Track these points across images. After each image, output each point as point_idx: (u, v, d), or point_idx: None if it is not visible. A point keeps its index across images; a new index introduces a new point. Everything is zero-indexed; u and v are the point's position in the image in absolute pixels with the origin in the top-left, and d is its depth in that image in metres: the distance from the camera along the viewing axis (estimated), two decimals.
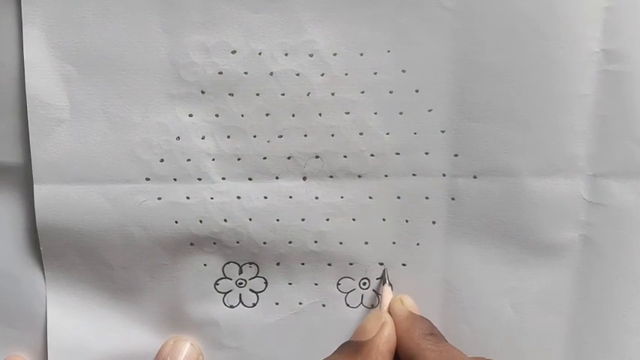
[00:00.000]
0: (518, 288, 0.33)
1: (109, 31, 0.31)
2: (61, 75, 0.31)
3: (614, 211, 0.33)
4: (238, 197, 0.32)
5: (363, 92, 0.32)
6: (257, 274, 0.34)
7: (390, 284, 0.33)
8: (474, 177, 0.33)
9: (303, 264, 0.33)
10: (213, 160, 0.32)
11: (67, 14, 0.30)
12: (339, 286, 0.34)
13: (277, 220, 0.33)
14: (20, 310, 0.32)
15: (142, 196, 0.32)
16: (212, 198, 0.32)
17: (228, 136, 0.32)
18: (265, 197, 0.33)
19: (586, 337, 0.34)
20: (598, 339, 0.34)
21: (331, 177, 0.33)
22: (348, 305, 0.34)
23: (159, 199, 0.32)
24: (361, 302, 0.34)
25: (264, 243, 0.33)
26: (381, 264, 0.34)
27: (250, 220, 0.33)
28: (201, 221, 0.32)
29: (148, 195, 0.32)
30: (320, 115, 0.32)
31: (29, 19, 0.30)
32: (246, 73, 0.31)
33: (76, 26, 0.31)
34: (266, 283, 0.34)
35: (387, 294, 0.33)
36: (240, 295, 0.34)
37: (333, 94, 0.32)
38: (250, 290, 0.34)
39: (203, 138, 0.32)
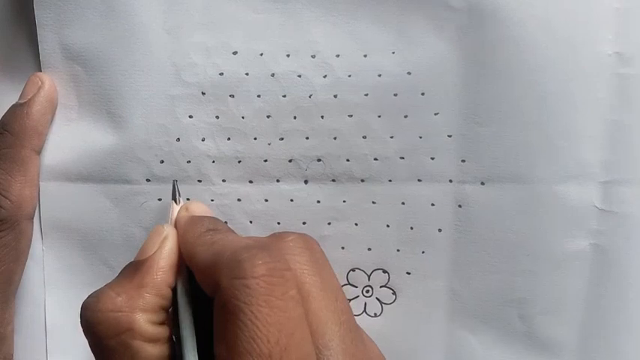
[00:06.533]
0: (526, 298, 0.32)
1: (113, 32, 0.31)
2: (71, 75, 0.31)
3: (627, 220, 0.31)
4: (239, 200, 0.32)
5: (366, 94, 0.31)
6: None
7: (179, 200, 0.31)
8: (482, 183, 0.32)
9: None
10: (214, 162, 0.32)
11: (76, 16, 0.31)
12: None
13: (278, 223, 0.32)
14: (20, 311, 0.32)
15: (143, 196, 0.32)
16: (212, 200, 0.32)
17: (229, 138, 0.32)
18: (266, 200, 0.32)
19: (596, 348, 0.32)
20: (609, 351, 0.32)
21: (333, 181, 0.32)
22: None
23: (159, 200, 0.32)
24: (364, 310, 0.33)
25: None
26: (385, 271, 0.33)
27: (251, 222, 0.32)
28: None
29: (148, 196, 0.32)
30: (322, 117, 0.31)
31: (42, 22, 0.31)
32: (247, 74, 0.31)
33: (83, 28, 0.31)
34: None
35: (175, 208, 0.30)
36: None
37: (335, 96, 0.31)
38: None
39: (203, 140, 0.32)
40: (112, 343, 0.25)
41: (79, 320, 0.26)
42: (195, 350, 0.25)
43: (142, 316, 0.25)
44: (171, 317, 0.27)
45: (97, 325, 0.25)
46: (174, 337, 0.26)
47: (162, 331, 0.26)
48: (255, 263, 0.23)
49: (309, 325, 0.24)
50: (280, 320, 0.22)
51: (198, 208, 0.30)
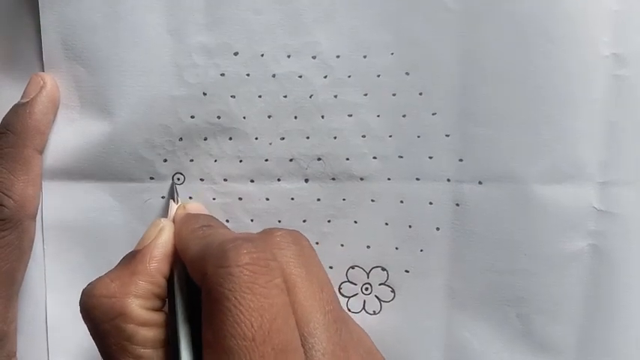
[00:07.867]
0: (524, 298, 0.33)
1: (116, 32, 0.31)
2: (73, 76, 0.32)
3: (625, 220, 0.32)
4: (240, 198, 0.32)
5: (366, 94, 0.32)
6: None
7: (177, 199, 0.32)
8: (480, 183, 0.32)
9: None
10: (216, 161, 0.32)
11: (79, 16, 0.31)
12: (340, 291, 0.33)
13: (279, 221, 0.33)
14: (21, 310, 0.32)
15: (147, 194, 0.32)
16: (214, 198, 0.32)
17: (230, 138, 0.32)
18: (267, 199, 0.33)
19: (593, 348, 0.33)
20: (606, 351, 0.33)
21: (333, 179, 0.32)
22: (349, 310, 0.34)
23: (162, 197, 0.32)
24: (363, 308, 0.34)
25: None
26: (384, 269, 0.33)
27: (252, 221, 0.33)
28: None
29: (152, 193, 0.32)
30: (322, 117, 0.32)
31: (46, 22, 0.31)
32: (248, 74, 0.31)
33: (87, 29, 0.31)
34: None
35: (173, 207, 0.32)
36: None
37: (335, 96, 0.32)
38: None
39: (205, 139, 0.32)
40: (107, 326, 0.26)
41: (79, 308, 0.27)
42: (189, 337, 0.26)
43: (135, 301, 0.26)
44: (168, 306, 0.28)
45: (92, 310, 0.26)
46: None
47: (157, 317, 0.27)
48: (240, 253, 0.24)
49: (295, 313, 0.25)
50: (263, 306, 0.23)
51: (195, 208, 0.31)
